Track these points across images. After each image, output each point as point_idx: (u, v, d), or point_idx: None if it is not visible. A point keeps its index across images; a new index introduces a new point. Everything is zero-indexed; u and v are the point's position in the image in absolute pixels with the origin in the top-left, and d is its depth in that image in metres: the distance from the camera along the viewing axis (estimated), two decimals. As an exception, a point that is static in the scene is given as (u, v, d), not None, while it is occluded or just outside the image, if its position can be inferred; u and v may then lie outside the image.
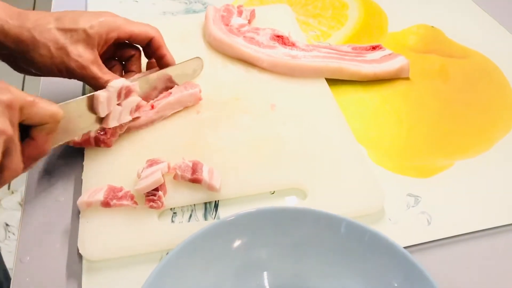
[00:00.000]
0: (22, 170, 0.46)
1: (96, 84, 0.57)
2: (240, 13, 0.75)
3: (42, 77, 0.69)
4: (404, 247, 0.49)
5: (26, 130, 0.46)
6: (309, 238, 0.45)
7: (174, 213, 0.53)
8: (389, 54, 0.71)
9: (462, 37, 0.78)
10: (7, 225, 1.65)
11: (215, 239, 0.43)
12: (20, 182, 1.76)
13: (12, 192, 1.75)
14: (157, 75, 0.62)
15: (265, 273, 0.44)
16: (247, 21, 0.74)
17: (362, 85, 0.69)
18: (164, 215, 0.53)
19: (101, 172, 0.56)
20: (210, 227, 0.43)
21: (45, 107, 0.45)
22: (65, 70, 0.56)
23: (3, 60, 0.57)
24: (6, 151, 0.42)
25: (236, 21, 0.73)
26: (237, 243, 0.44)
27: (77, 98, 0.53)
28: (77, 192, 0.56)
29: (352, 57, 0.69)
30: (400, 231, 0.52)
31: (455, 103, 0.67)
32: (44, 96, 0.69)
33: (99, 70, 0.57)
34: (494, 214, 0.54)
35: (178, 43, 0.64)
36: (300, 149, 0.58)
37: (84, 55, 0.56)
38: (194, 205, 0.54)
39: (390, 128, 0.63)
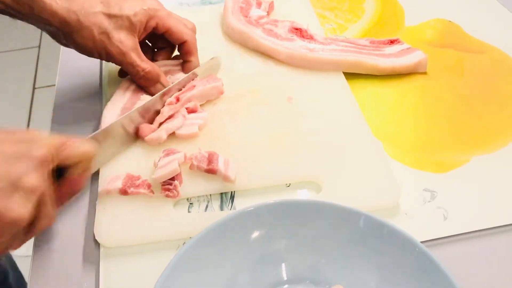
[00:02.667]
0: (58, 210, 0.46)
1: (133, 71, 0.59)
2: (259, 4, 0.75)
3: (61, 53, 0.72)
4: (420, 242, 0.50)
5: (59, 169, 0.45)
6: (327, 231, 0.45)
7: (190, 203, 0.53)
8: (407, 48, 0.70)
9: (480, 32, 0.77)
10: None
11: (234, 229, 0.44)
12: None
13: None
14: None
15: (283, 265, 0.45)
16: (266, 13, 0.74)
17: (380, 79, 0.68)
18: (181, 205, 0.53)
19: (119, 161, 0.56)
20: (229, 217, 0.44)
21: (76, 148, 0.45)
22: (105, 54, 0.58)
23: (48, 34, 0.59)
24: (40, 203, 0.42)
25: (255, 12, 0.73)
26: (255, 234, 0.45)
27: (106, 127, 0.54)
28: (95, 180, 0.56)
29: (370, 51, 0.68)
30: (416, 226, 0.52)
31: (472, 99, 0.66)
32: (63, 69, 0.71)
33: (138, 58, 0.59)
34: (511, 211, 0.53)
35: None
36: (316, 143, 0.58)
37: (125, 42, 0.57)
38: (210, 195, 0.54)
39: (407, 122, 0.63)
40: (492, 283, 0.48)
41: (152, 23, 0.59)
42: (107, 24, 0.57)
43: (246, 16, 0.73)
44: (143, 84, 0.60)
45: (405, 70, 0.69)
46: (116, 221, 0.51)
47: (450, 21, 0.80)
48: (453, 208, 0.53)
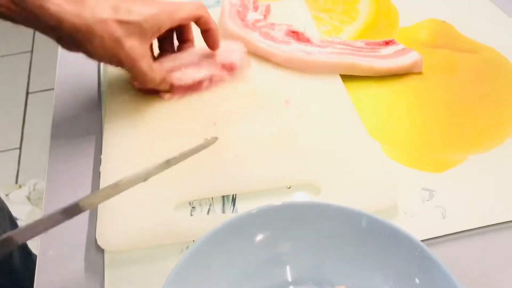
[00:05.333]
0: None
1: (142, 79, 0.60)
2: (256, 8, 0.76)
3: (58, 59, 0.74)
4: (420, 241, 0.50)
5: None
6: (330, 232, 0.46)
7: (192, 207, 0.54)
8: (402, 49, 0.71)
9: (473, 31, 0.78)
10: (15, 218, 1.66)
11: (238, 232, 0.44)
12: (27, 176, 1.78)
13: (20, 186, 1.76)
14: None
15: (288, 267, 0.45)
16: (262, 16, 0.74)
17: (376, 80, 0.69)
18: (183, 209, 0.53)
19: (119, 163, 0.57)
20: (232, 220, 0.44)
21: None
22: (116, 61, 0.58)
23: (57, 42, 0.57)
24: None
25: (252, 16, 0.74)
26: (259, 236, 0.45)
27: None
28: (95, 185, 0.56)
29: (366, 53, 0.69)
30: (415, 225, 0.52)
31: (467, 98, 0.67)
32: (60, 76, 0.72)
33: (148, 66, 0.59)
34: (508, 208, 0.54)
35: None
36: (315, 145, 0.59)
37: (136, 49, 0.57)
38: (212, 198, 0.54)
39: (404, 122, 0.64)
40: (492, 281, 0.49)
41: (165, 27, 0.60)
42: (119, 32, 0.55)
43: (243, 20, 0.73)
44: (151, 90, 0.63)
45: (400, 71, 0.69)
46: (117, 225, 0.51)
47: (443, 21, 0.81)
48: (451, 206, 0.54)
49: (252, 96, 0.65)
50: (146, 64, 0.58)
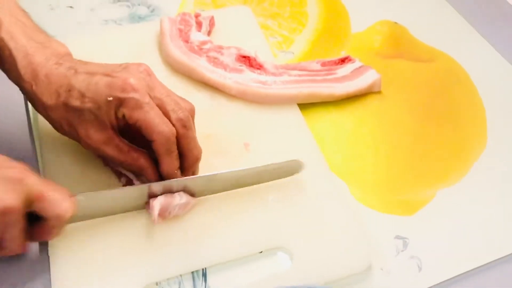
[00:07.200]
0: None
1: (115, 162, 0.53)
2: (199, 24, 0.69)
3: None
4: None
5: None
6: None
7: (160, 288, 0.49)
8: (359, 68, 0.67)
9: (426, 34, 0.76)
10: None
11: None
12: None
13: None
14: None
15: None
16: (208, 37, 0.67)
17: (334, 105, 0.65)
18: (151, 291, 0.49)
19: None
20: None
21: (52, 206, 0.43)
22: (83, 145, 0.51)
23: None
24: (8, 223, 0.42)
25: (196, 37, 0.66)
26: None
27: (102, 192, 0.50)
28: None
29: (323, 77, 0.65)
30: (393, 283, 0.51)
31: (428, 120, 0.65)
32: None
33: (115, 151, 0.50)
34: (488, 247, 0.54)
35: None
36: (281, 201, 0.55)
37: (94, 137, 0.49)
38: (181, 275, 0.50)
39: (369, 155, 0.61)
40: None
41: (120, 115, 0.49)
42: (71, 117, 0.49)
43: (187, 42, 0.66)
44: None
45: (360, 93, 0.66)
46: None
47: (395, 22, 0.77)
48: (426, 255, 0.53)
49: (208, 139, 0.59)
50: (112, 149, 0.50)
